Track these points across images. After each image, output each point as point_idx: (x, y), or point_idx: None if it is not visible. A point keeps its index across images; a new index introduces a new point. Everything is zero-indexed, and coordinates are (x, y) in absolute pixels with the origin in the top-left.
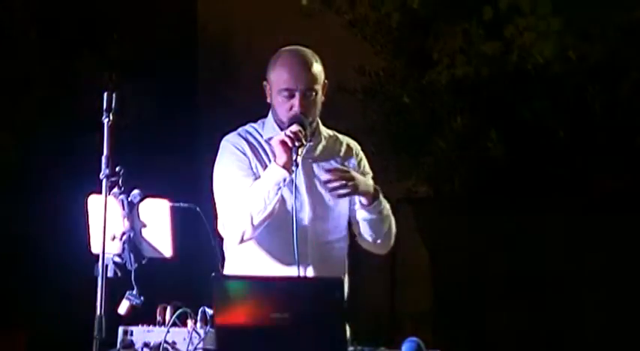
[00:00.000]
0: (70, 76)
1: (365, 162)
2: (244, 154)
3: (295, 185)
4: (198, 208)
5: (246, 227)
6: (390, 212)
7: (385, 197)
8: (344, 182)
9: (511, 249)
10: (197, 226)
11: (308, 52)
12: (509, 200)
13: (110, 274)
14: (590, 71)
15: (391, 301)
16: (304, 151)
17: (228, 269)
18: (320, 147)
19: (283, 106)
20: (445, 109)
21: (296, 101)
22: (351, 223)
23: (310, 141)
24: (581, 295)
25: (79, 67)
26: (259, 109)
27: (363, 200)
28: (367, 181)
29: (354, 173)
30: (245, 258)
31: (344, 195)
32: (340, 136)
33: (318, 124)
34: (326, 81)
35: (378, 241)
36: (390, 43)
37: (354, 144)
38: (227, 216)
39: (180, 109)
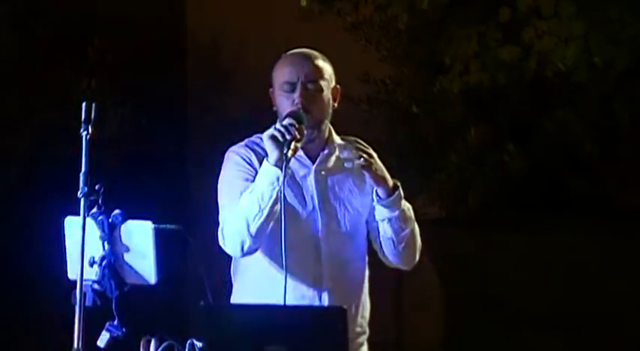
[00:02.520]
0: (47, 83)
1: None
2: (251, 165)
3: (283, 191)
4: (184, 230)
5: (244, 236)
6: (412, 215)
7: (407, 200)
8: (361, 154)
9: (530, 271)
10: (184, 249)
11: (315, 52)
12: (529, 219)
13: (89, 302)
14: (617, 79)
15: (398, 329)
16: (318, 162)
17: (237, 295)
18: (333, 158)
19: (285, 103)
20: (458, 119)
21: (296, 94)
22: (371, 241)
23: (324, 150)
24: (604, 320)
25: (55, 73)
26: (251, 120)
27: (380, 192)
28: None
29: (375, 158)
30: (255, 282)
31: (361, 166)
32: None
33: (331, 132)
34: (338, 86)
35: (401, 247)
36: (397, 47)
37: (370, 151)
38: (226, 226)
39: (166, 122)
